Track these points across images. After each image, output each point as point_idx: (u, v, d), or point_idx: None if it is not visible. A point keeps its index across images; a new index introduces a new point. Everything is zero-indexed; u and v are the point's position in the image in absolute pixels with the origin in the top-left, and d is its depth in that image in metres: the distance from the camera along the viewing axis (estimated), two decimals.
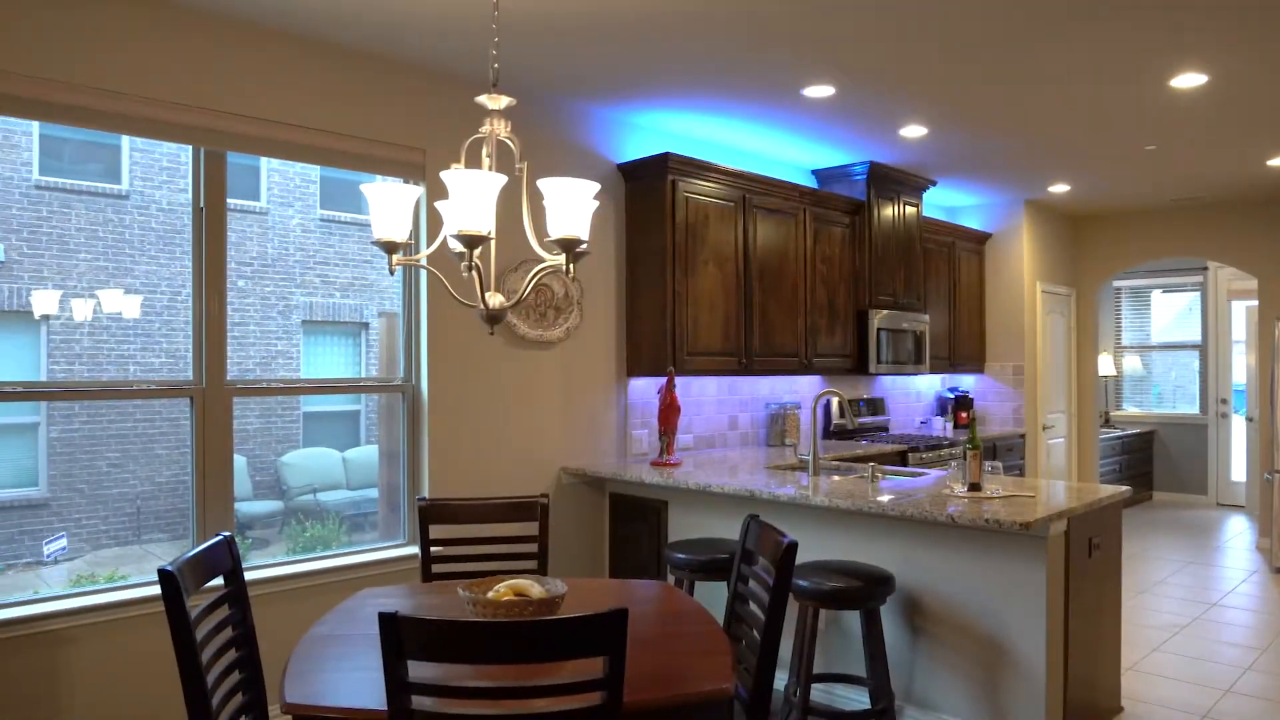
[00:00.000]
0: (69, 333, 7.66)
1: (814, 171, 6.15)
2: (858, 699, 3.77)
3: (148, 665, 3.30)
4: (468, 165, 2.30)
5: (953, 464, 5.90)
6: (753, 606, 2.57)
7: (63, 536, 7.60)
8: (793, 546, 2.30)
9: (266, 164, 8.82)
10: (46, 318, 7.54)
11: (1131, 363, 10.40)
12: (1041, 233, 7.59)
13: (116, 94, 3.25)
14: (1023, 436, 7.20)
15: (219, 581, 2.35)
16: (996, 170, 6.25)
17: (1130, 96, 4.50)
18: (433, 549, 3.16)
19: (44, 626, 3.09)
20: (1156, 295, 10.17)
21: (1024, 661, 3.27)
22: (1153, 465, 9.95)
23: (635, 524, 4.60)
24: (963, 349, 7.16)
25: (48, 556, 7.45)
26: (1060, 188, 6.81)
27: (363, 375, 9.51)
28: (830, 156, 5.81)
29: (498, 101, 2.37)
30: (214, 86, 3.50)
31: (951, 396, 7.36)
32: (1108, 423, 10.11)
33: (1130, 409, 10.36)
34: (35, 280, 7.45)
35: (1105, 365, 9.90)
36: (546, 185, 2.16)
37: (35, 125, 7.27)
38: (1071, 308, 8.11)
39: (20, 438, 7.55)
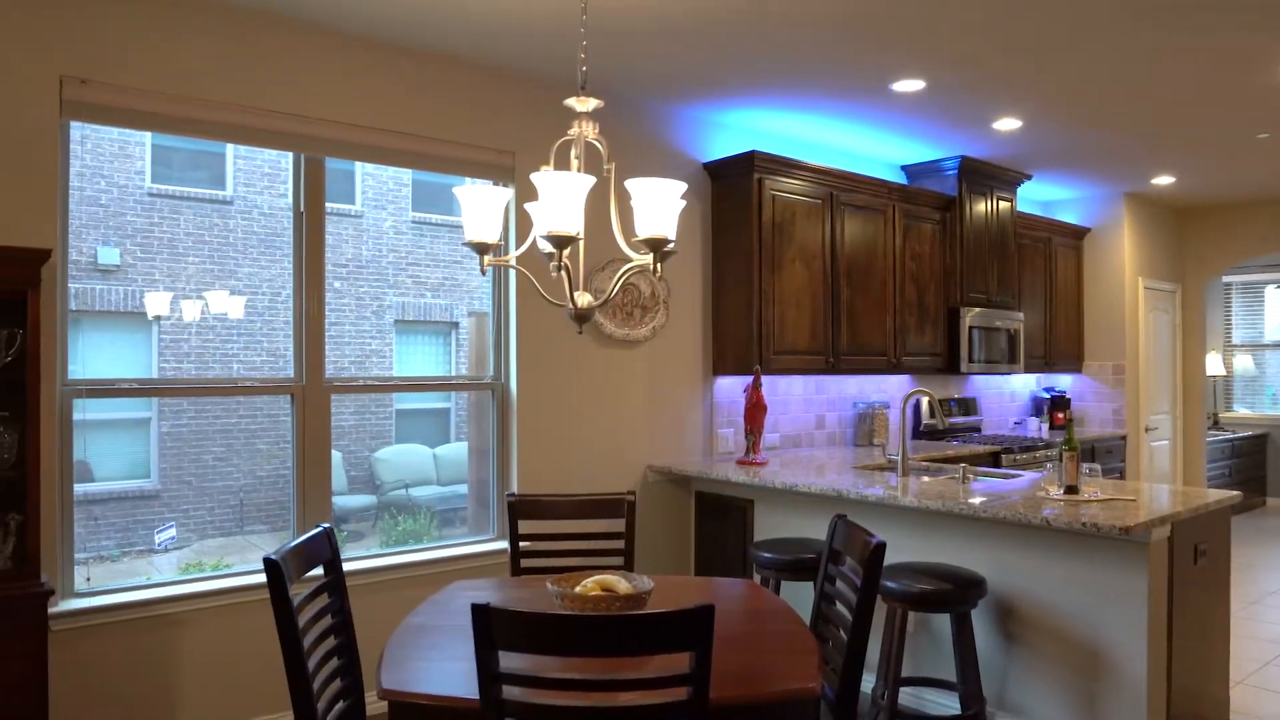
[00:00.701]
0: (178, 332, 8.03)
1: (903, 167, 6.04)
2: (947, 704, 3.69)
3: (251, 648, 3.45)
4: (556, 167, 2.33)
5: (1048, 466, 5.72)
6: (839, 607, 2.55)
7: (172, 526, 7.98)
8: (881, 546, 2.27)
9: (361, 168, 9.09)
10: (158, 318, 7.93)
11: (1243, 362, 9.91)
12: (1144, 227, 7.30)
13: (224, 105, 3.41)
14: (1123, 438, 6.94)
15: (318, 571, 2.44)
16: (1096, 163, 6.04)
17: (1241, 83, 4.30)
18: (521, 544, 3.21)
19: (157, 610, 3.27)
20: (1271, 291, 9.67)
21: (1124, 671, 3.16)
22: (1266, 470, 9.46)
23: (721, 523, 4.59)
24: (1059, 348, 6.94)
25: (159, 545, 7.83)
26: (1164, 180, 6.54)
27: (453, 374, 9.71)
28: (920, 152, 5.70)
29: (586, 104, 2.40)
30: (313, 95, 3.63)
31: (1047, 396, 7.14)
32: (1216, 425, 9.65)
33: (1241, 410, 9.87)
34: (148, 283, 7.84)
35: (1214, 365, 9.45)
36: (634, 186, 2.18)
37: (148, 136, 7.65)
38: (1176, 304, 7.78)
39: (134, 432, 7.95)
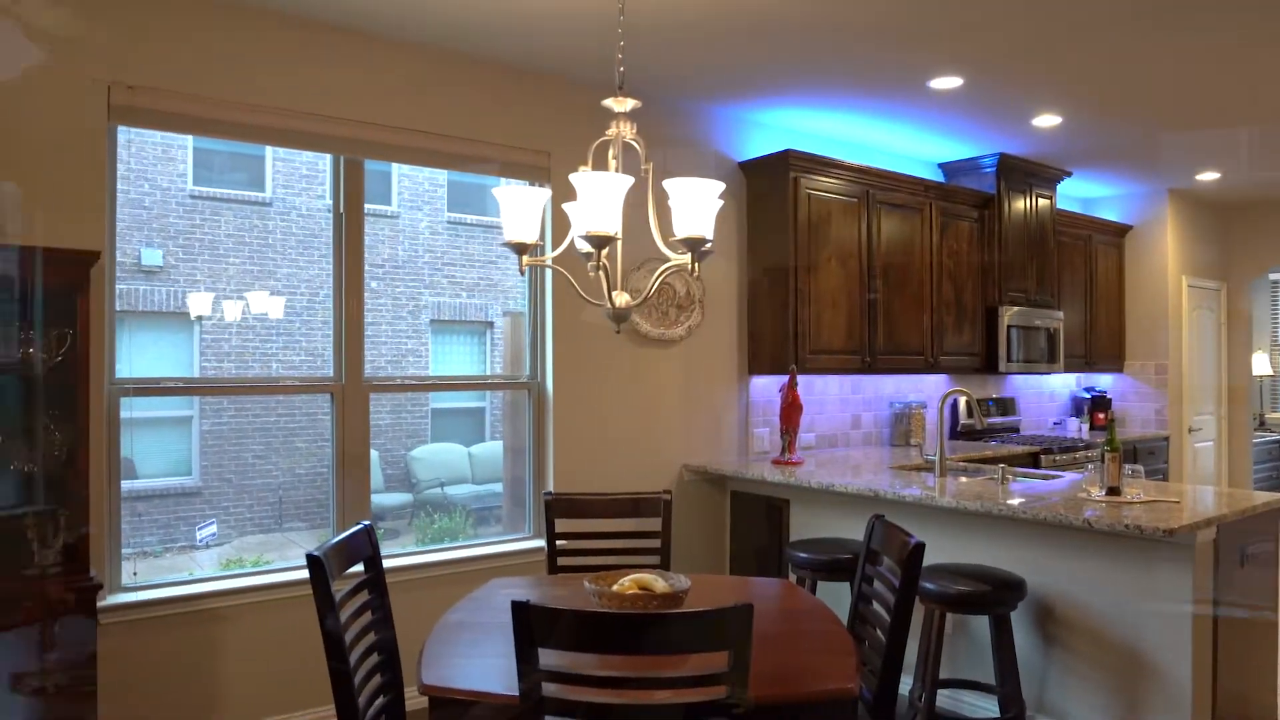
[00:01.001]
0: (219, 332, 8.16)
1: (940, 165, 5.99)
2: (985, 706, 3.66)
3: (291, 644, 3.50)
4: (594, 167, 2.34)
5: (1089, 467, 5.61)
6: (877, 607, 2.54)
7: (213, 523, 8.12)
8: (920, 547, 2.26)
9: (397, 169, 9.17)
10: (200, 318, 8.06)
11: None
12: (1187, 224, 7.17)
13: (265, 108, 3.46)
14: (1166, 439, 6.82)
15: (359, 568, 2.47)
16: (1138, 159, 5.94)
17: None
18: (558, 542, 3.23)
19: (201, 605, 3.33)
20: None
21: (1167, 676, 3.11)
22: None
23: (756, 522, 4.58)
24: (1100, 347, 6.83)
25: (200, 541, 7.97)
26: (1209, 176, 6.42)
27: (488, 373, 9.78)
28: (957, 149, 5.64)
29: (623, 104, 2.41)
30: (351, 98, 3.67)
31: (1088, 396, 7.05)
32: (1262, 425, 9.45)
33: None
34: (190, 284, 7.98)
35: (1260, 364, 9.26)
36: (672, 185, 2.18)
37: (190, 139, 7.78)
38: (1221, 303, 7.63)
39: (176, 430, 8.09)
